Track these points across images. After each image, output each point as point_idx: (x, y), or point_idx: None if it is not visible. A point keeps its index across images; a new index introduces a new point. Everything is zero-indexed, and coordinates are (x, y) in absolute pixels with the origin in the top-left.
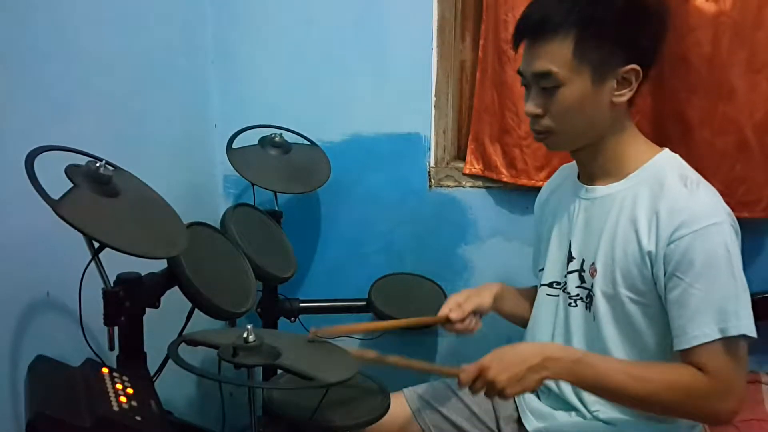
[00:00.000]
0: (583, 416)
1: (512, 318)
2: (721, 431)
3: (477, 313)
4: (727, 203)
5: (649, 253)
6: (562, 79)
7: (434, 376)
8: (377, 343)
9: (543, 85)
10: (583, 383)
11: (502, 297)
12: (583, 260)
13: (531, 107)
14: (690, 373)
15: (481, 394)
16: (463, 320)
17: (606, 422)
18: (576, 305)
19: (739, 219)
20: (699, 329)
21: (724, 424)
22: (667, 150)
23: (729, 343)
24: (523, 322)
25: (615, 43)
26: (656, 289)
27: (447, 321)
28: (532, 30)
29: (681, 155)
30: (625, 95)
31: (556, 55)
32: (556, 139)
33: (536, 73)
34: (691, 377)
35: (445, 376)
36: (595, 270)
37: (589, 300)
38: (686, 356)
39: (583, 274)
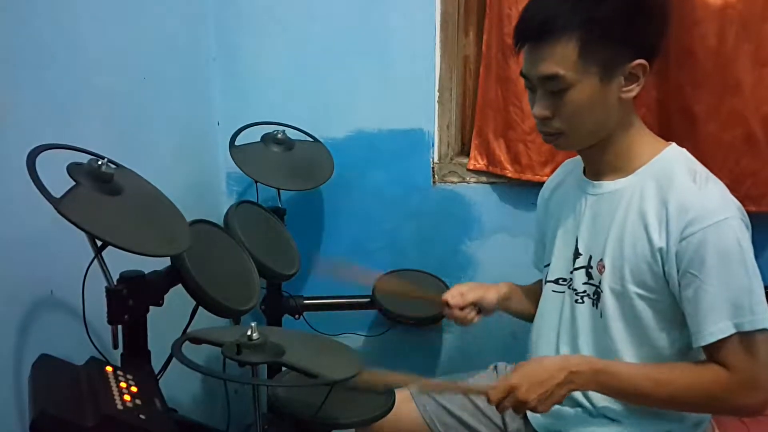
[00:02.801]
0: (589, 412)
1: (521, 316)
2: (728, 428)
3: (478, 307)
4: (734, 197)
5: (660, 249)
6: (570, 81)
7: (440, 372)
8: (382, 338)
9: (550, 88)
10: (607, 391)
11: (510, 298)
12: (591, 256)
13: (539, 110)
14: (710, 372)
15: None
16: (462, 309)
17: (612, 419)
18: (583, 302)
19: (746, 213)
20: (714, 326)
21: (754, 416)
22: (674, 145)
23: (746, 337)
24: (532, 319)
25: (621, 41)
26: (668, 286)
27: (446, 305)
28: (534, 33)
29: (687, 149)
30: (634, 90)
31: (562, 57)
32: (566, 140)
33: (543, 76)
34: (711, 376)
35: (474, 395)
36: (603, 266)
37: (596, 297)
38: (707, 353)
39: (590, 270)
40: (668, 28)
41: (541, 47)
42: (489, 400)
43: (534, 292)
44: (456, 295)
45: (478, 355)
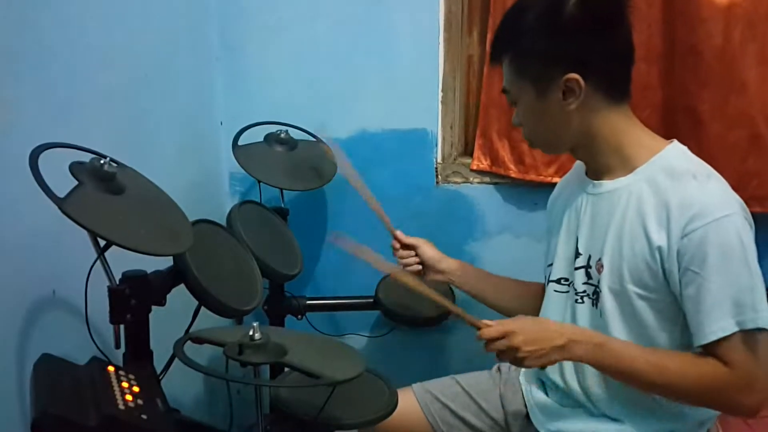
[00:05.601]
0: (591, 413)
1: (478, 299)
2: (731, 428)
3: (420, 260)
4: (738, 196)
5: (659, 248)
6: (514, 96)
7: (443, 372)
8: (385, 339)
9: (508, 101)
10: (602, 367)
11: (456, 272)
12: (590, 256)
13: (514, 118)
14: (711, 366)
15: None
16: (404, 248)
17: (613, 419)
18: (583, 302)
19: (751, 213)
20: (716, 324)
21: (748, 416)
22: (675, 142)
23: (748, 336)
24: (494, 307)
25: (546, 56)
26: (668, 286)
27: (393, 236)
28: (491, 54)
29: (692, 149)
30: (573, 104)
31: (506, 74)
32: (538, 146)
33: (502, 90)
34: (711, 369)
35: (466, 323)
36: (602, 266)
37: (595, 296)
38: (708, 351)
39: (589, 270)
40: (611, 38)
41: (500, 65)
42: (480, 335)
43: (508, 285)
44: (406, 235)
45: (482, 356)
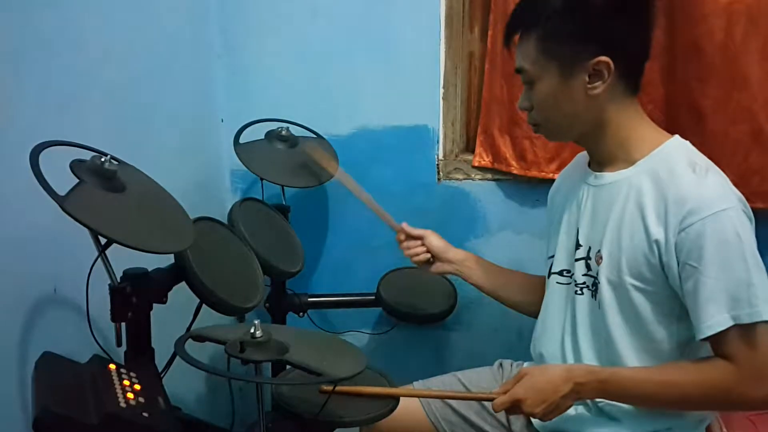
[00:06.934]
0: (589, 410)
1: (482, 290)
2: (735, 425)
3: (427, 249)
4: (741, 194)
5: (657, 241)
6: (533, 76)
7: (445, 369)
8: (387, 336)
9: (523, 80)
10: (614, 398)
11: (463, 262)
12: (590, 248)
13: (520, 101)
14: (715, 368)
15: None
16: (410, 237)
17: (613, 417)
18: (582, 293)
19: (753, 210)
20: (712, 318)
21: (764, 409)
22: (677, 136)
23: (746, 330)
24: (501, 299)
25: (576, 37)
26: (667, 280)
27: (401, 230)
28: (508, 30)
29: (694, 145)
30: (599, 88)
31: (526, 53)
32: (545, 131)
33: (516, 70)
34: (716, 372)
35: (478, 401)
36: (601, 257)
37: (594, 288)
38: (711, 346)
39: (589, 261)
40: (646, 25)
41: (516, 43)
42: (493, 408)
43: (514, 278)
44: (411, 227)
45: (484, 353)
